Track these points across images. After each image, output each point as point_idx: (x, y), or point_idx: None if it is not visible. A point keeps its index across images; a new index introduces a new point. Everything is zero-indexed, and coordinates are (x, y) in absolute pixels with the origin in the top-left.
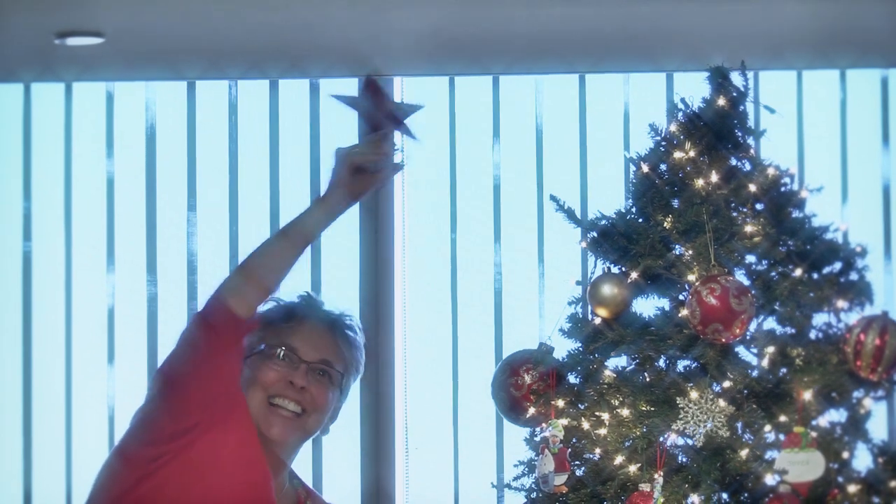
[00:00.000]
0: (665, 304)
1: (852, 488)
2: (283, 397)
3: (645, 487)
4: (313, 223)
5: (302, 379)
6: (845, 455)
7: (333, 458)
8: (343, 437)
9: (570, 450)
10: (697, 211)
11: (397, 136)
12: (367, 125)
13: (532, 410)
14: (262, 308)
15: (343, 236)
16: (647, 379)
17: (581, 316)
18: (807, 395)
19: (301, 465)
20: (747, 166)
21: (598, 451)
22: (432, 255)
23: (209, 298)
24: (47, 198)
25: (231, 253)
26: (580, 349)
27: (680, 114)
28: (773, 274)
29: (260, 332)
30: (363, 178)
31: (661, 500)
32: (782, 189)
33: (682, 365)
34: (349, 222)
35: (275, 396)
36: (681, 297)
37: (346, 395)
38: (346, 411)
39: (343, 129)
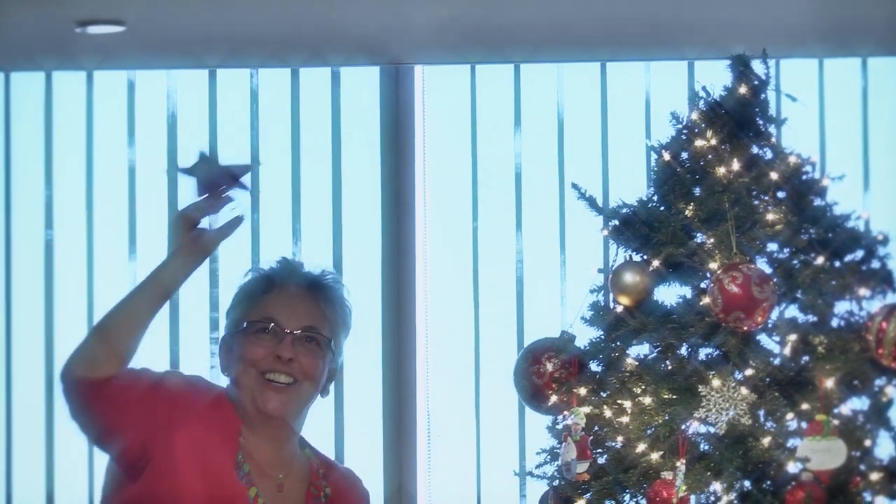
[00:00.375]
0: (687, 292)
1: (874, 476)
2: (274, 371)
3: (667, 475)
4: (162, 285)
5: (288, 351)
6: (867, 443)
7: (356, 445)
8: (366, 425)
9: (591, 438)
10: (719, 199)
11: (234, 193)
12: (203, 190)
13: (554, 398)
14: (242, 281)
15: (365, 225)
16: (669, 367)
17: (603, 304)
18: (829, 383)
19: (324, 451)
20: (769, 154)
21: (620, 439)
22: (454, 244)
23: (62, 370)
24: (69, 186)
25: (253, 241)
26: (602, 337)
27: (701, 102)
28: (795, 262)
29: (242, 307)
30: (203, 235)
31: (684, 487)
32: (804, 177)
33: (704, 353)
34: (371, 212)
35: (266, 372)
36: (702, 286)
37: (341, 353)
38: (368, 400)
39: (365, 117)
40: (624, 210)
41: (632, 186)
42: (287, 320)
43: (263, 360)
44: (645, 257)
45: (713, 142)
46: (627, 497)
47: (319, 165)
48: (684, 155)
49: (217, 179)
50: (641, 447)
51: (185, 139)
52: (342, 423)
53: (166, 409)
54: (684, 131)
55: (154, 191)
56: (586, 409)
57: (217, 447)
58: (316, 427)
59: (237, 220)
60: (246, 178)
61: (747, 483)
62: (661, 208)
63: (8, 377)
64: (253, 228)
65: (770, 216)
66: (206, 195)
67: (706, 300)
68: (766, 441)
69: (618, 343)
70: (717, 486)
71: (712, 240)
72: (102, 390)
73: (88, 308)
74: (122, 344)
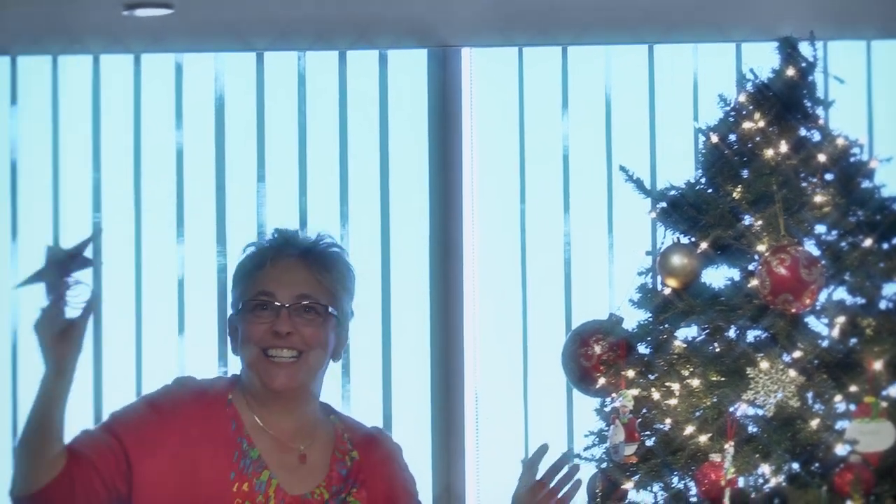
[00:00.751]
0: (735, 274)
1: None
2: (275, 347)
3: (716, 458)
4: (52, 397)
5: (286, 324)
6: None
7: (404, 428)
8: (414, 408)
9: (639, 420)
10: (767, 181)
11: (79, 275)
12: (51, 290)
13: (602, 381)
14: (241, 258)
15: (412, 209)
16: (717, 349)
17: (651, 286)
18: (877, 365)
19: None
20: (816, 136)
21: (668, 421)
22: (501, 226)
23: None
24: (117, 169)
25: (300, 223)
26: (650, 319)
27: (749, 84)
28: (843, 244)
29: (241, 286)
30: (63, 331)
31: (732, 470)
32: (851, 159)
33: (752, 335)
34: (419, 195)
35: (267, 349)
36: (750, 268)
37: (348, 316)
38: (417, 382)
39: (412, 99)
40: (672, 192)
41: (680, 169)
42: (280, 293)
43: (263, 338)
44: (693, 239)
45: (761, 124)
46: (675, 479)
47: (366, 148)
48: (732, 137)
49: (61, 272)
50: (689, 429)
51: (232, 122)
52: (390, 403)
53: (124, 453)
54: (732, 113)
55: (202, 173)
56: (634, 392)
57: (200, 453)
58: (363, 413)
59: (91, 301)
60: (88, 252)
61: (795, 465)
62: (709, 191)
63: None
64: (301, 212)
65: (818, 198)
66: (54, 294)
67: (754, 282)
68: (815, 423)
69: (666, 325)
70: (765, 469)
71: (760, 222)
72: (58, 488)
73: (136, 291)
74: (50, 445)
